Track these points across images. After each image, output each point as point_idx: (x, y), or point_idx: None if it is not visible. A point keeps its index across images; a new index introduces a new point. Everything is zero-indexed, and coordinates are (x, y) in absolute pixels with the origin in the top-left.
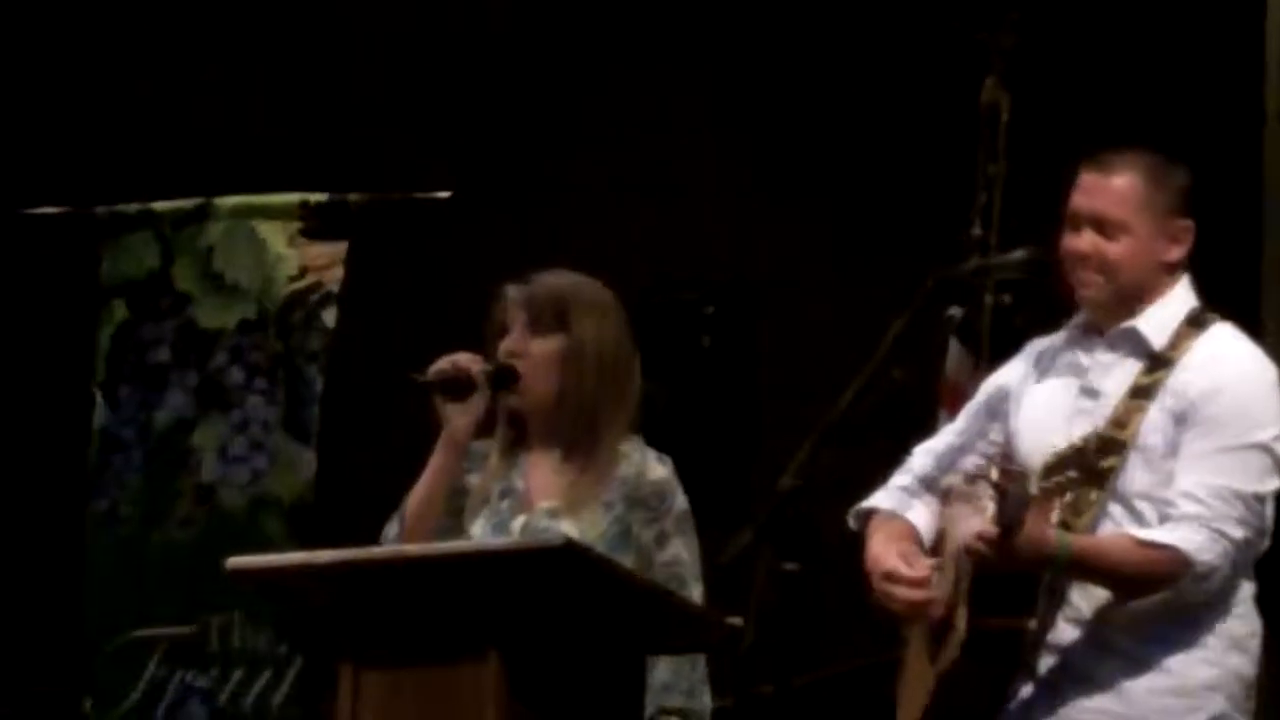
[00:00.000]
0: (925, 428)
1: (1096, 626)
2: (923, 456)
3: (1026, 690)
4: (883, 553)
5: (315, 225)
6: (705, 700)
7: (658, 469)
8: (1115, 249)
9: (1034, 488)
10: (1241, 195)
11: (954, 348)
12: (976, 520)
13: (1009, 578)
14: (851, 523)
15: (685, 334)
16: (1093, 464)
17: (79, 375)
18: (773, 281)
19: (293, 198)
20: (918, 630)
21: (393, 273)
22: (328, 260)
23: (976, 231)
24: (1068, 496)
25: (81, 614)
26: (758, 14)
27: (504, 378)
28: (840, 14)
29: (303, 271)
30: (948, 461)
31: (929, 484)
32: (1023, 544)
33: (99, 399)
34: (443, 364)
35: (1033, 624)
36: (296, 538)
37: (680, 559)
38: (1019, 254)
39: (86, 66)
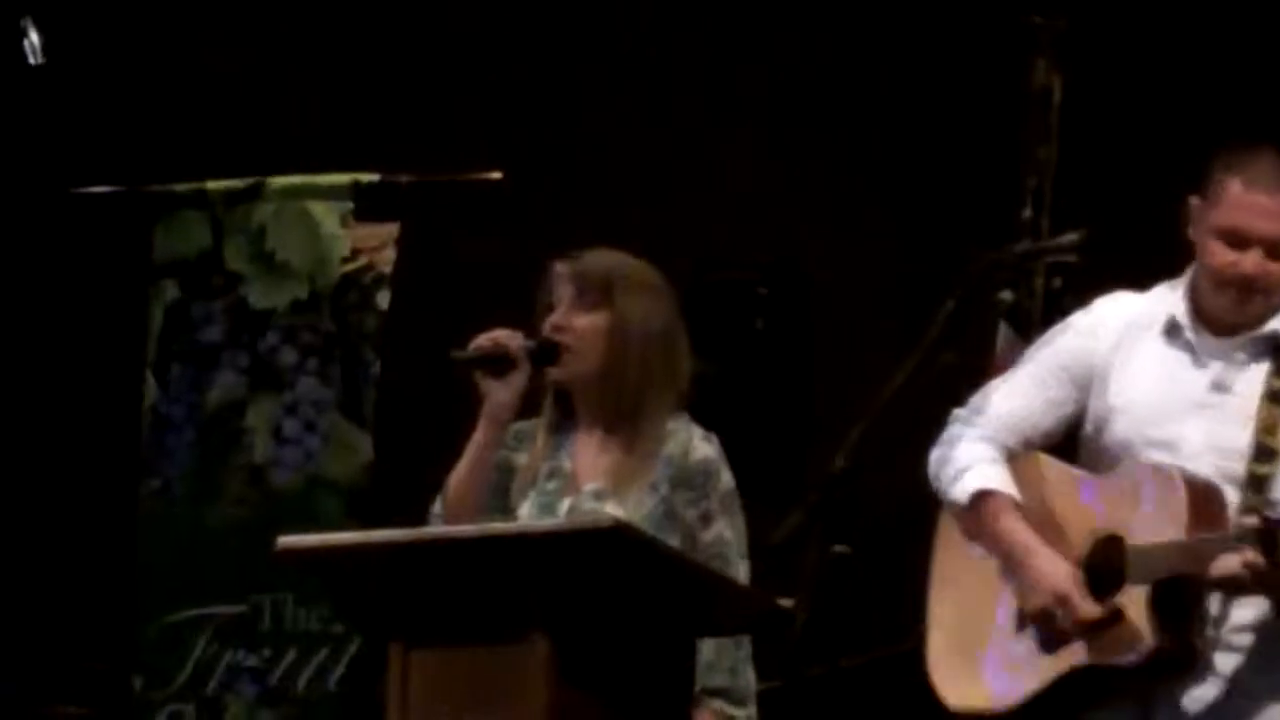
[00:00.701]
0: None
1: (1256, 646)
2: (1002, 428)
3: (1175, 702)
4: (1054, 572)
5: (367, 206)
6: (749, 678)
7: (703, 447)
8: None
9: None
10: None
11: (1004, 331)
12: (1121, 518)
13: (1182, 592)
14: (963, 499)
15: (739, 315)
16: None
17: (131, 355)
18: (826, 263)
19: (344, 178)
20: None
21: (447, 254)
22: (379, 241)
23: (1027, 214)
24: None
25: (133, 592)
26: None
27: (546, 353)
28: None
29: (355, 253)
30: (1028, 438)
31: (1010, 458)
32: None
33: (149, 378)
34: (482, 340)
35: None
36: (354, 519)
37: (725, 539)
38: (1069, 237)
39: (139, 46)
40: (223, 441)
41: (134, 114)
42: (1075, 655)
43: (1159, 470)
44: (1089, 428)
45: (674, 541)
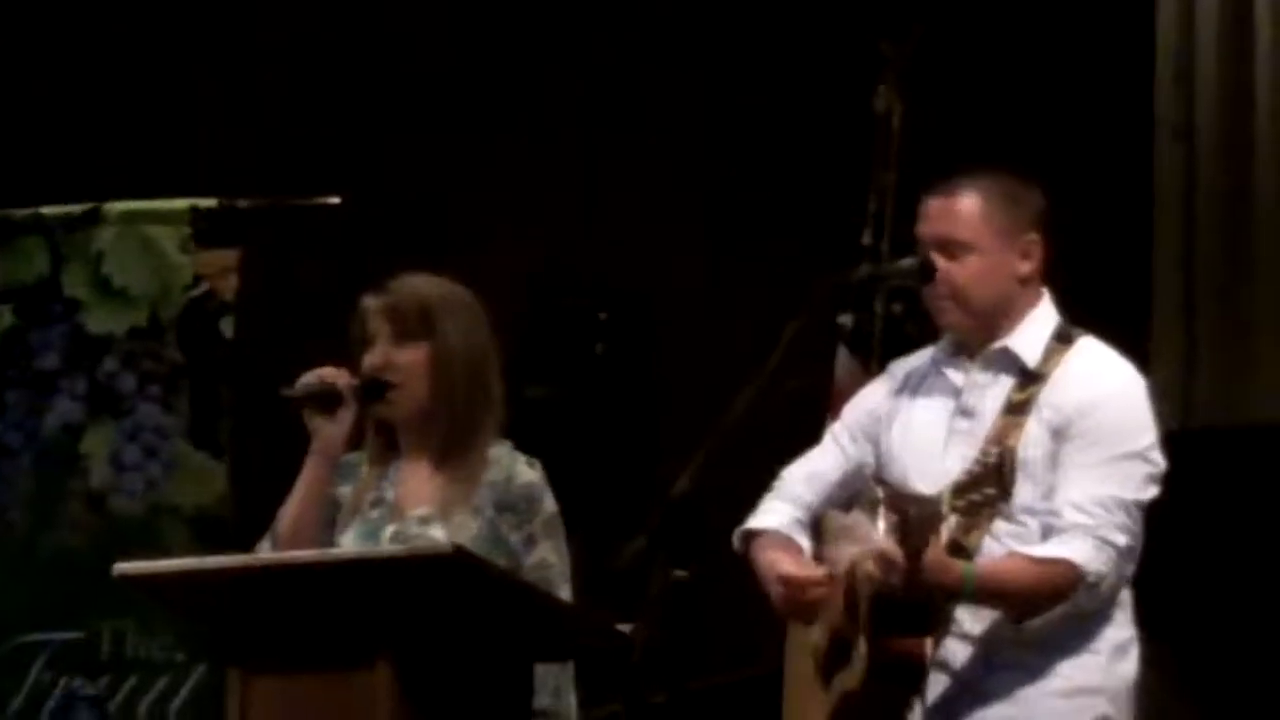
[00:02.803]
0: (816, 435)
1: (985, 642)
2: (803, 486)
3: (918, 712)
4: (777, 558)
5: (206, 231)
6: (570, 700)
7: (526, 472)
8: (963, 271)
9: (945, 506)
10: (1133, 205)
11: (843, 355)
12: (859, 545)
13: (906, 600)
14: (736, 544)
15: (579, 340)
16: (1005, 476)
17: None
18: (668, 288)
19: (182, 203)
20: (798, 648)
21: (289, 280)
22: (221, 267)
23: (867, 239)
24: (984, 513)
25: None
26: (653, 19)
27: (374, 390)
28: (735, 20)
29: (198, 280)
30: (826, 494)
31: (812, 518)
32: (930, 571)
33: None
34: (309, 378)
35: (929, 644)
36: (204, 547)
37: (548, 562)
38: (909, 262)
39: None
40: (59, 467)
41: None
42: (839, 684)
43: (869, 491)
44: (883, 475)
45: (500, 565)
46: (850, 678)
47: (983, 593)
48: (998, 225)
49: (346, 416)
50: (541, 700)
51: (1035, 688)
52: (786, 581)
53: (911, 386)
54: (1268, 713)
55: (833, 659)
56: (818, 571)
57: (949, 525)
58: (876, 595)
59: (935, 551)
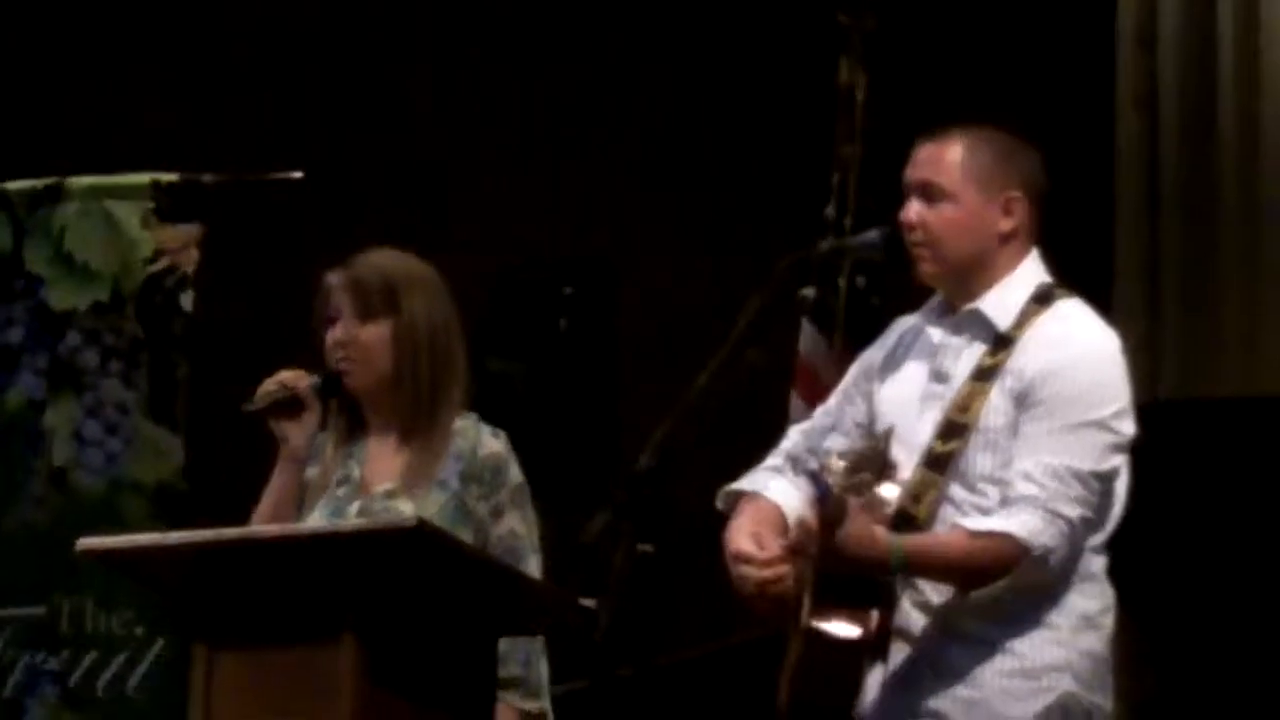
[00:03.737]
0: (779, 408)
1: (945, 612)
2: (795, 435)
3: (879, 680)
4: (734, 534)
5: (168, 206)
6: (543, 670)
7: (492, 443)
8: (939, 218)
9: (838, 486)
10: (1095, 175)
11: (806, 329)
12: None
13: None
14: (720, 504)
15: (543, 314)
16: (882, 461)
17: None
18: (631, 262)
19: (144, 178)
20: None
21: (250, 254)
22: (182, 242)
23: (830, 212)
24: (866, 495)
25: None
26: None
27: (330, 386)
28: None
29: (158, 254)
30: (817, 440)
31: (796, 461)
32: (850, 544)
33: None
34: (269, 386)
35: (874, 614)
36: (163, 522)
37: (516, 532)
38: (873, 235)
39: None
40: (22, 443)
41: None
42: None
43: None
44: (872, 433)
45: (466, 537)
46: (795, 647)
47: (914, 567)
48: (980, 177)
49: (310, 418)
50: (512, 669)
51: (992, 665)
52: (738, 558)
53: (905, 343)
54: (1239, 682)
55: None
56: (772, 550)
57: (896, 495)
58: (816, 570)
59: (857, 525)
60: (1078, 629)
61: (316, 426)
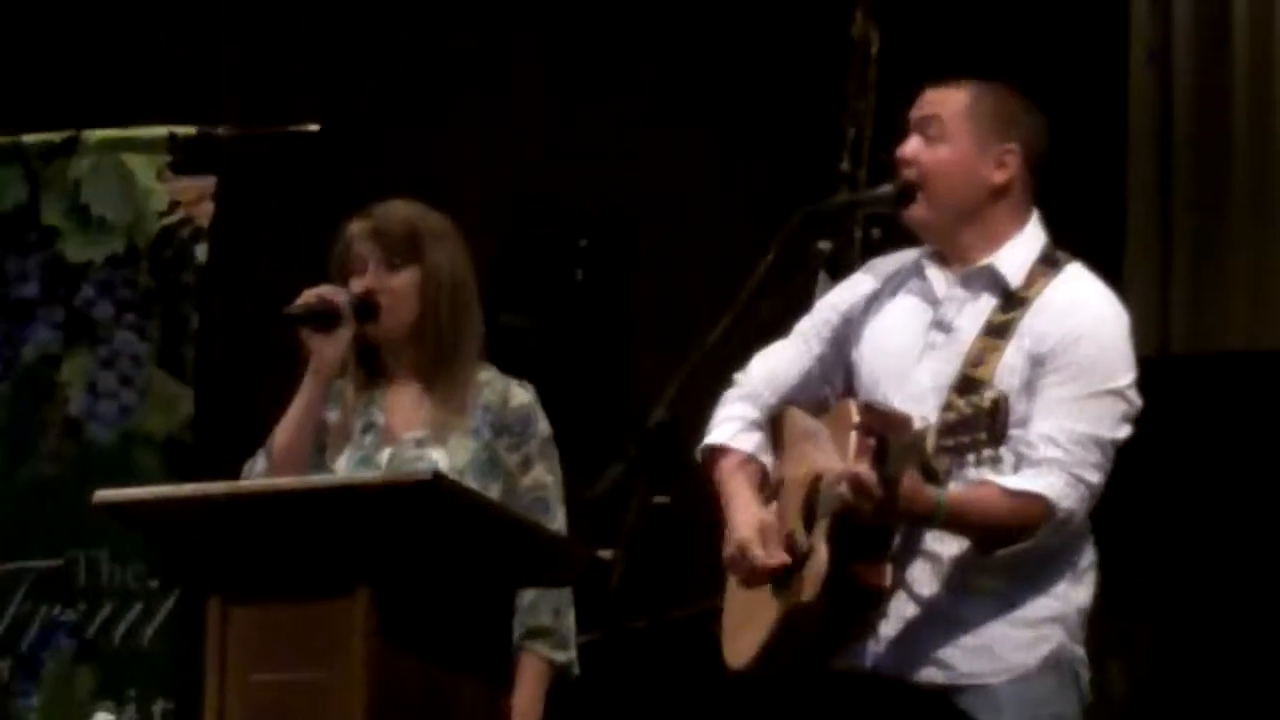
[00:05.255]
0: None
1: (953, 567)
2: (765, 386)
3: (879, 630)
4: (743, 521)
5: (183, 159)
6: (570, 621)
7: (521, 394)
8: (934, 155)
9: (931, 445)
10: (1108, 130)
11: (823, 281)
12: (826, 456)
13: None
14: (699, 456)
15: (558, 267)
16: (999, 423)
17: None
18: (646, 215)
19: (160, 131)
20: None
21: (267, 207)
22: (197, 195)
23: (845, 166)
24: (970, 458)
25: None
26: None
27: (366, 309)
28: None
29: (173, 206)
30: (790, 395)
31: (767, 412)
32: (903, 498)
33: None
34: (308, 296)
35: (889, 570)
36: (173, 474)
37: (544, 483)
38: (886, 188)
39: None
40: (37, 396)
41: None
42: (791, 597)
43: (842, 404)
44: (851, 377)
45: (496, 486)
46: (803, 589)
47: (954, 521)
48: (979, 125)
49: (344, 335)
50: (543, 619)
51: (1001, 617)
52: (741, 547)
53: (892, 287)
54: (1241, 636)
55: (787, 573)
56: (778, 559)
57: (943, 461)
58: (841, 516)
59: (910, 480)
60: (1071, 583)
61: (348, 345)
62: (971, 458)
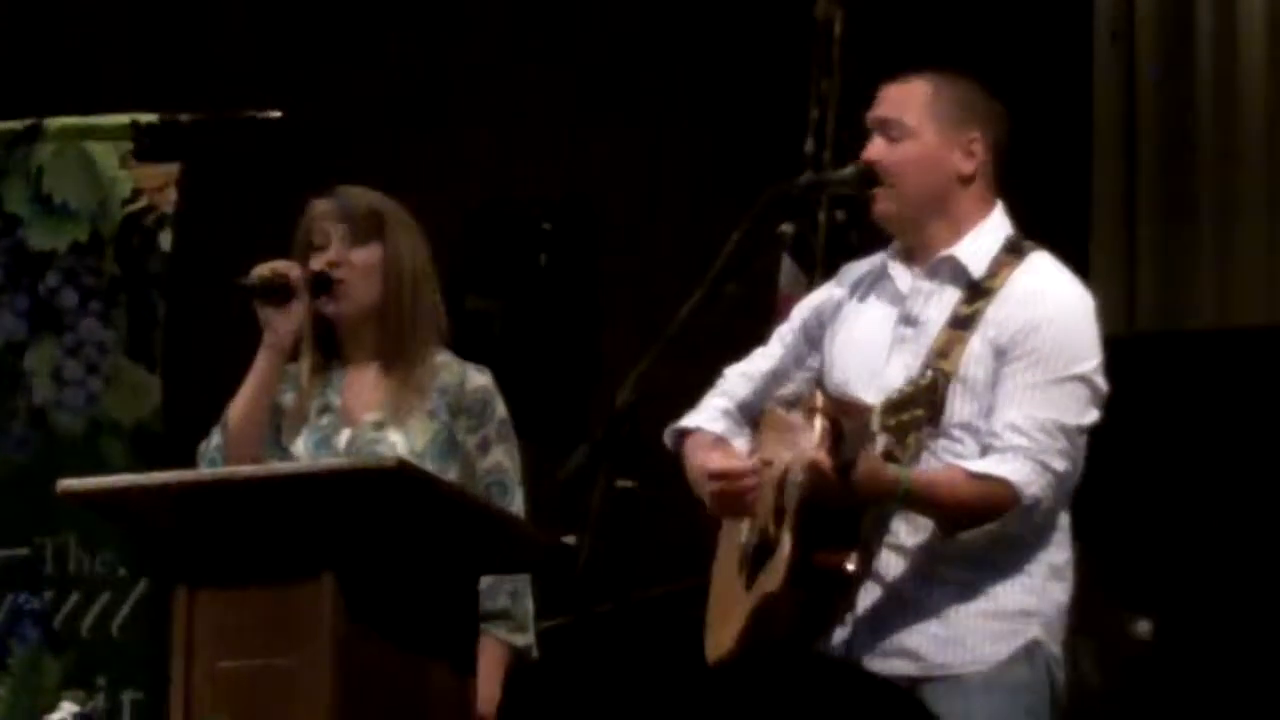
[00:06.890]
0: (759, 343)
1: (921, 556)
2: (740, 382)
3: (848, 620)
4: (706, 457)
5: (147, 146)
6: (528, 604)
7: (478, 377)
8: (898, 154)
9: (875, 424)
10: (1072, 108)
11: (786, 264)
12: (794, 450)
13: (835, 508)
14: (668, 440)
15: (523, 250)
16: (937, 400)
17: None
18: (611, 198)
19: (123, 118)
20: (727, 547)
21: (232, 194)
22: (161, 182)
23: (809, 147)
24: (911, 436)
25: None
26: None
27: (322, 283)
28: None
29: (136, 194)
30: (764, 390)
31: (749, 413)
32: (862, 479)
33: None
34: (263, 269)
35: (856, 558)
36: (141, 462)
37: (503, 465)
38: (851, 170)
39: None
40: (2, 385)
41: None
42: (760, 587)
43: (808, 397)
44: (825, 379)
45: (454, 469)
46: (771, 579)
47: (917, 500)
48: (941, 116)
49: (298, 309)
50: (500, 602)
51: (967, 607)
52: (717, 476)
53: (862, 289)
54: (1209, 617)
55: (757, 560)
56: (748, 463)
57: (881, 441)
58: (805, 504)
59: (868, 462)
60: (1048, 578)
61: (301, 320)
62: (913, 436)
